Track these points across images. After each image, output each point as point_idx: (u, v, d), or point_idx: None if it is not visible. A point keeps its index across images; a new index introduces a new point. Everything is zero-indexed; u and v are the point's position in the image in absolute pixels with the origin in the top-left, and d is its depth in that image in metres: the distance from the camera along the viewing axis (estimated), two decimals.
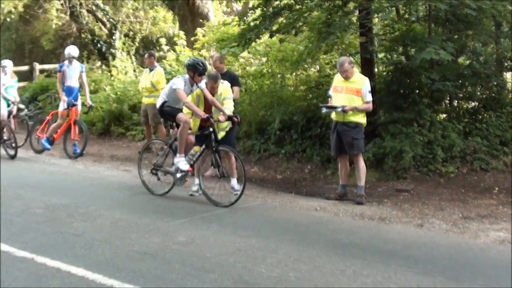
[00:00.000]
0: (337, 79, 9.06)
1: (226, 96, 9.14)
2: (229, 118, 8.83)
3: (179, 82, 8.61)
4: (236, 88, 10.33)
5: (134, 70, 19.05)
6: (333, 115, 9.02)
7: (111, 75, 18.58)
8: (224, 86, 9.17)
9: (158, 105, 9.00)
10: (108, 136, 15.51)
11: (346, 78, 8.84)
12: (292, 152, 11.73)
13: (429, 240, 6.91)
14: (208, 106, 9.02)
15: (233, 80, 10.20)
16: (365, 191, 9.01)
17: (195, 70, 8.60)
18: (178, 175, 8.85)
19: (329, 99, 9.22)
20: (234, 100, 9.69)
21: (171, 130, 9.34)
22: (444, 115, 11.30)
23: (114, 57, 19.88)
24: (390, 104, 10.82)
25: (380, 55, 11.68)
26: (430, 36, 10.39)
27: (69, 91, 12.70)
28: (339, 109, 8.75)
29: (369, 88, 8.86)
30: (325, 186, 10.20)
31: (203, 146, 8.75)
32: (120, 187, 9.75)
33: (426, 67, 10.70)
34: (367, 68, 10.71)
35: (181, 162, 8.74)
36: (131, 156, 12.99)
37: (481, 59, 11.80)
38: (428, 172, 9.99)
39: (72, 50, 12.91)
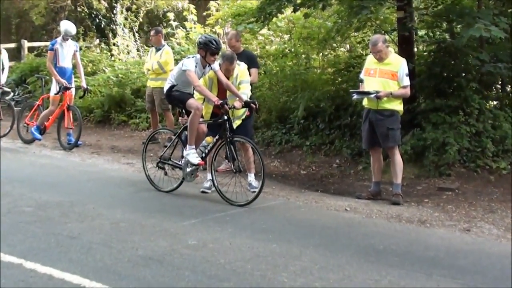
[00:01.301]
0: (370, 60, 9.01)
1: (243, 79, 9.12)
2: (246, 105, 8.80)
3: (190, 63, 8.59)
4: (254, 70, 10.30)
5: (138, 50, 19.11)
6: (365, 102, 8.97)
7: (112, 55, 18.63)
8: (240, 68, 9.15)
9: (165, 90, 9.00)
10: (108, 124, 15.57)
11: (380, 59, 8.78)
12: (318, 144, 11.70)
13: (477, 247, 6.86)
14: (222, 91, 9.01)
15: (251, 61, 10.17)
16: (402, 189, 8.96)
17: (208, 49, 8.57)
18: (188, 169, 8.85)
19: (361, 83, 9.16)
20: (251, 84, 9.68)
21: (180, 118, 9.33)
22: (495, 102, 11.19)
23: (114, 34, 19.93)
24: (431, 89, 10.74)
25: (421, 33, 11.57)
26: (479, 10, 10.27)
27: (62, 72, 12.72)
28: (372, 95, 8.69)
29: (406, 70, 8.79)
30: (356, 183, 10.17)
31: (217, 137, 8.74)
32: (121, 183, 9.77)
33: (474, 46, 10.59)
34: (405, 48, 10.63)
35: (192, 155, 8.73)
36: (134, 147, 13.03)
37: None
38: (475, 168, 9.90)
39: (69, 26, 12.93)
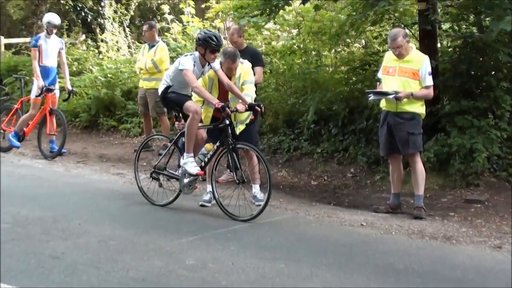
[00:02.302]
0: (389, 57, 9.01)
1: (246, 80, 9.13)
2: (250, 108, 8.80)
3: (187, 62, 8.60)
4: (258, 69, 10.35)
5: (129, 46, 19.12)
6: (383, 104, 8.97)
7: (99, 53, 18.65)
8: (243, 67, 9.15)
9: (160, 91, 9.01)
10: (96, 130, 15.58)
11: (400, 56, 8.77)
12: (331, 151, 11.69)
13: (510, 266, 6.81)
14: (223, 92, 9.02)
15: (255, 59, 10.20)
16: (425, 201, 8.96)
17: (207, 46, 8.57)
18: (186, 180, 8.85)
19: (378, 83, 9.16)
20: (256, 85, 9.67)
21: (176, 123, 9.33)
22: None
23: (103, 30, 19.95)
24: (457, 89, 10.72)
25: (445, 26, 11.56)
26: (511, 0, 10.26)
27: (45, 72, 12.72)
28: (391, 96, 8.67)
29: (429, 69, 8.79)
30: (372, 195, 10.16)
31: (217, 144, 8.74)
32: (111, 196, 9.77)
33: (505, 41, 10.54)
34: (427, 43, 10.62)
35: (189, 164, 8.73)
36: (125, 155, 13.04)
37: None
38: (507, 178, 9.89)
39: (52, 17, 12.95)
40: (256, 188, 9.17)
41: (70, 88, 13.18)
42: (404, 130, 8.74)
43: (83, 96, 16.07)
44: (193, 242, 7.44)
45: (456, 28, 11.26)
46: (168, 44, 14.48)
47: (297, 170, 11.61)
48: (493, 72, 10.77)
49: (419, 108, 8.83)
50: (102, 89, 15.82)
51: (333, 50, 13.60)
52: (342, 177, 11.11)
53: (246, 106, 8.74)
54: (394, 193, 9.09)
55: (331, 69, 13.48)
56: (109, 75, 16.23)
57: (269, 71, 13.55)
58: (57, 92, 12.99)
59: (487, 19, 10.49)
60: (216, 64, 8.80)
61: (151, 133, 12.65)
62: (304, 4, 11.89)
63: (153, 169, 9.31)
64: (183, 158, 8.84)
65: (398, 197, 9.09)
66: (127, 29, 20.00)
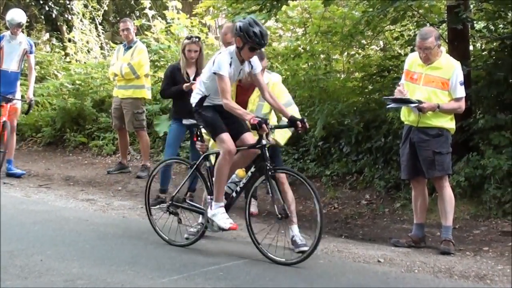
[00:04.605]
0: (413, 61, 8.99)
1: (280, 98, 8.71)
2: (292, 123, 8.36)
3: (223, 62, 7.93)
4: None
5: (102, 48, 19.17)
6: (405, 117, 8.99)
7: (66, 55, 18.71)
8: (272, 79, 8.86)
9: (194, 103, 8.35)
10: (61, 147, 15.59)
11: (426, 60, 8.73)
12: (342, 173, 11.77)
13: None
14: (241, 99, 8.66)
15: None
16: (454, 233, 8.99)
17: (247, 41, 7.84)
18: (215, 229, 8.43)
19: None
20: None
21: (198, 143, 8.76)
22: None
23: (70, 27, 19.99)
24: (492, 101, 10.77)
25: (478, 26, 11.60)
26: None
27: (4, 78, 12.71)
28: (413, 105, 8.64)
29: (461, 78, 8.76)
30: (391, 226, 10.22)
31: (252, 169, 8.31)
32: (79, 226, 9.77)
33: None
34: (458, 46, 10.66)
35: (219, 216, 8.24)
36: (96, 178, 13.02)
37: None
38: None
39: (17, 14, 12.92)
40: (294, 230, 8.78)
41: (31, 97, 13.10)
42: (429, 149, 8.74)
43: (46, 107, 16.09)
44: (178, 281, 7.44)
45: (492, 28, 11.28)
46: (148, 45, 14.52)
47: (302, 196, 11.60)
48: None
49: (448, 123, 8.83)
50: (69, 99, 15.86)
51: (346, 53, 13.65)
52: (355, 204, 11.16)
53: (288, 120, 8.33)
54: (417, 223, 9.13)
55: (343, 76, 13.53)
56: (77, 82, 16.27)
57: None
58: (18, 103, 12.96)
59: None
60: (258, 65, 8.19)
61: (126, 150, 12.62)
62: None
63: (170, 202, 8.90)
64: (212, 208, 8.32)
65: (422, 228, 9.14)
66: (99, 27, 20.07)
